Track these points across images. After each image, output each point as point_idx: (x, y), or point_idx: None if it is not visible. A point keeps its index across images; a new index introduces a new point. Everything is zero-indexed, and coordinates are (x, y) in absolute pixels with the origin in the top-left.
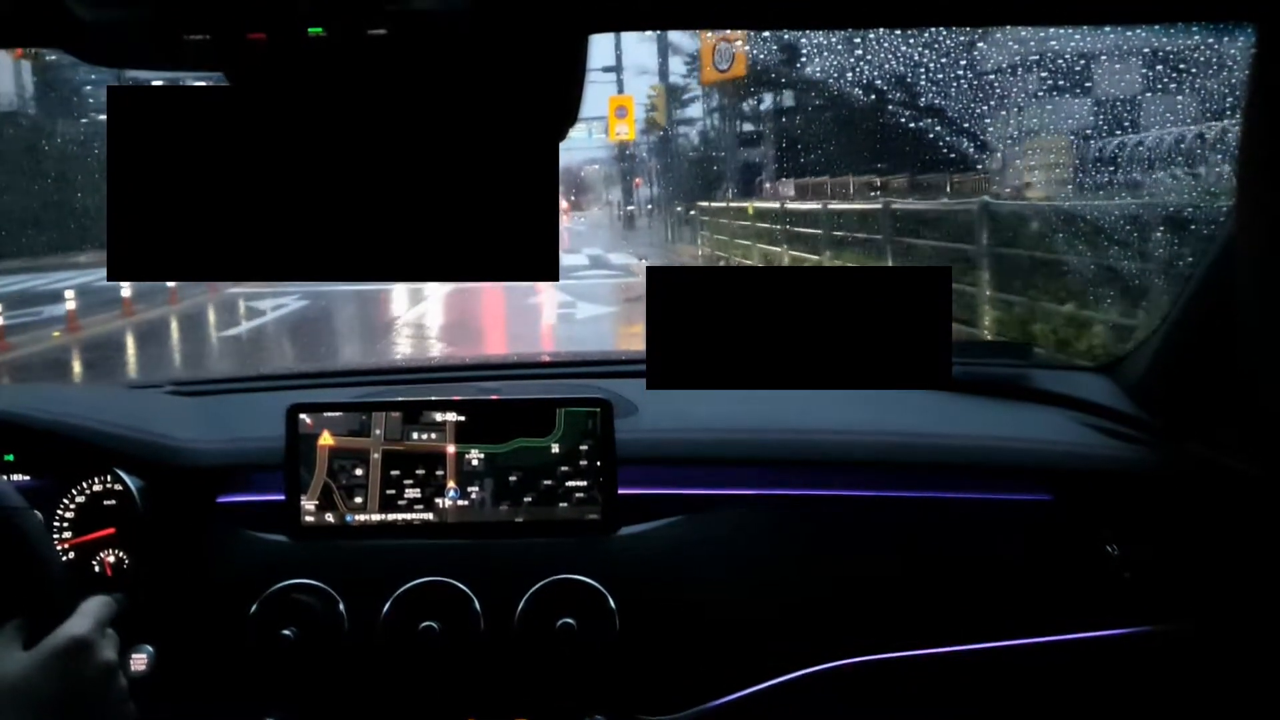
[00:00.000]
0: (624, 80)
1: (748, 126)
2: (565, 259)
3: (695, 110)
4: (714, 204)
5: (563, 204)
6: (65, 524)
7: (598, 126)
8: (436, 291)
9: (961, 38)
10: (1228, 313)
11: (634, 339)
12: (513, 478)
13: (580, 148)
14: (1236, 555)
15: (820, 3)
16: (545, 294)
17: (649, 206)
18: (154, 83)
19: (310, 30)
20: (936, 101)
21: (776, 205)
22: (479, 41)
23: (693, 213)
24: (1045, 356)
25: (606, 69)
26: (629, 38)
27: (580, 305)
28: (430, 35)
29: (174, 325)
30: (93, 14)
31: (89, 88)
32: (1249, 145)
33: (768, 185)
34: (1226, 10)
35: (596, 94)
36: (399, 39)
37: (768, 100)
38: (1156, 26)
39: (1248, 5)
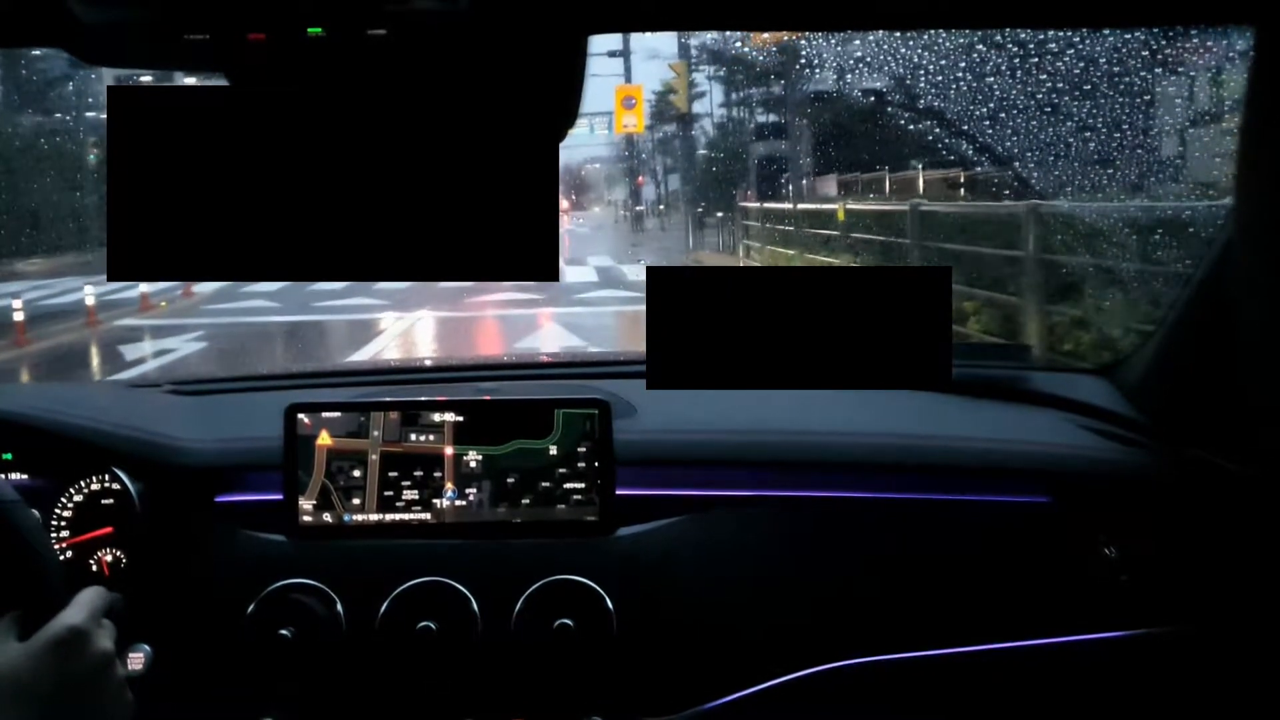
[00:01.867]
0: (632, 66)
1: (786, 111)
2: (568, 273)
3: (701, 106)
4: (771, 205)
5: (562, 203)
6: (63, 523)
7: (600, 122)
8: (406, 337)
9: None
10: (1226, 315)
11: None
12: (511, 479)
13: (582, 144)
14: (1234, 558)
15: (821, 5)
16: (546, 330)
17: (660, 206)
18: (143, 77)
19: (310, 30)
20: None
21: (900, 206)
22: (478, 42)
23: (719, 214)
24: (1044, 358)
25: (613, 54)
26: None
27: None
28: (430, 35)
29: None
30: (93, 14)
31: (72, 84)
32: (1248, 147)
33: (806, 182)
34: (1226, 13)
35: (601, 85)
36: (399, 39)
37: (831, 71)
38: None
39: (1247, 8)
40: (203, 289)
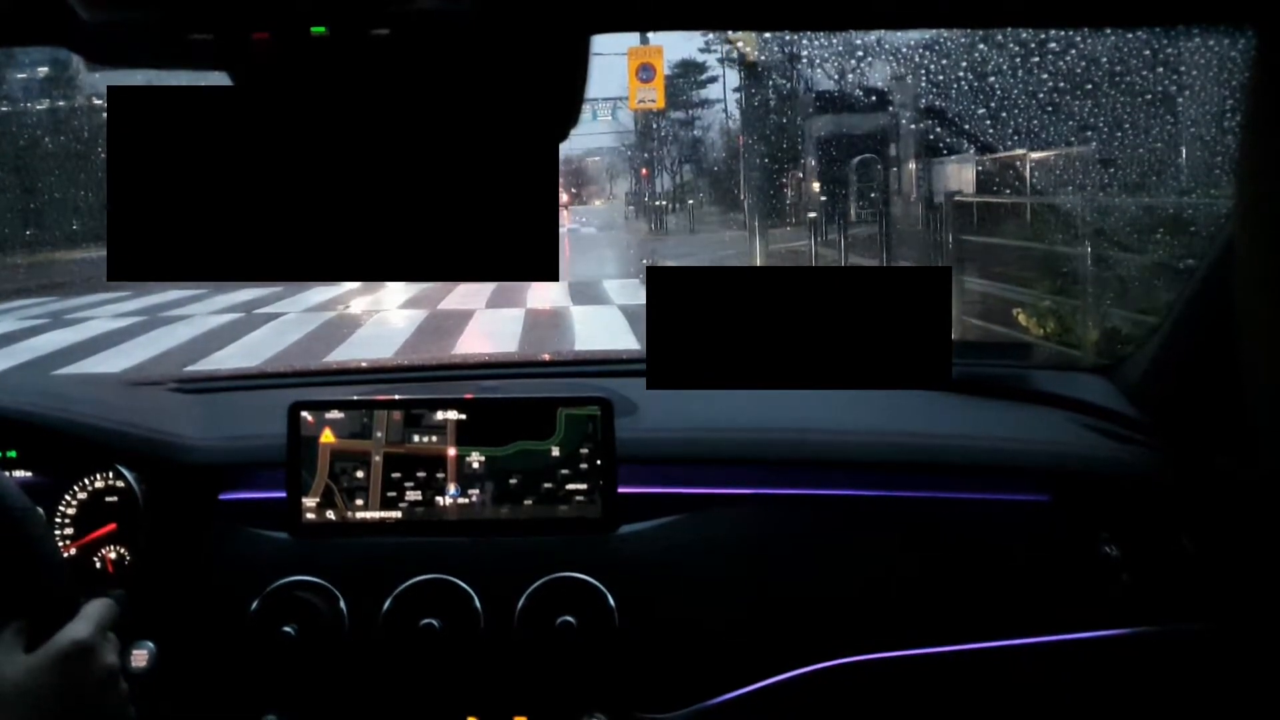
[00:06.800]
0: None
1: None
2: (577, 325)
3: (716, 90)
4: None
5: (561, 196)
6: (66, 520)
7: (604, 107)
8: None
9: None
10: (1227, 314)
11: None
12: (513, 480)
13: (582, 132)
14: (1235, 557)
15: (823, 5)
16: None
17: (690, 200)
18: (111, 70)
19: (314, 30)
20: None
21: None
22: (482, 41)
23: (812, 214)
24: (1045, 357)
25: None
26: None
27: None
28: (433, 35)
29: None
30: (95, 14)
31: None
32: (1249, 148)
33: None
34: (1226, 13)
35: (605, 64)
36: (402, 39)
37: None
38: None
39: (1248, 8)
40: None
